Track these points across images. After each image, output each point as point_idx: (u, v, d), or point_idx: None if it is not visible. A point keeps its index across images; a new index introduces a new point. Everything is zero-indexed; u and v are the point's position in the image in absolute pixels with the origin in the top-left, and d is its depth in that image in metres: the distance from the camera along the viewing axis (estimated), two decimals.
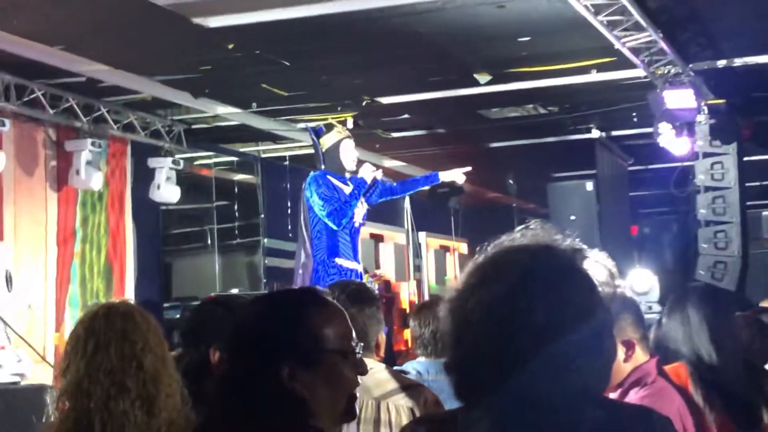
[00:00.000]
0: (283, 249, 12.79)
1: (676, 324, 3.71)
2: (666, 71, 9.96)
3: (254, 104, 11.03)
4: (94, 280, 10.44)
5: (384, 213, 11.32)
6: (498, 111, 11.95)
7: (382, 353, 3.79)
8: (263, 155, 13.42)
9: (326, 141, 7.60)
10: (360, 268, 7.62)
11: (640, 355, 3.51)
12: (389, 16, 8.25)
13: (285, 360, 2.17)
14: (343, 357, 2.25)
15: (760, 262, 13.14)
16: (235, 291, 11.30)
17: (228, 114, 11.31)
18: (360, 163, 7.76)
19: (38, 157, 10.09)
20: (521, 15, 8.37)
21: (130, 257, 10.89)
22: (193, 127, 11.85)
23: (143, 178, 11.07)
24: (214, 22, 8.20)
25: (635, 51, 9.26)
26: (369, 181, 7.44)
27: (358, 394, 2.29)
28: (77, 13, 7.99)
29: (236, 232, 13.64)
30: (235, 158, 13.47)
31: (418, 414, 3.53)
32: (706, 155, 11.14)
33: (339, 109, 11.11)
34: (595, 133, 12.77)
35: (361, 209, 7.53)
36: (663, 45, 9.22)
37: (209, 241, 13.35)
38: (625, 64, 9.62)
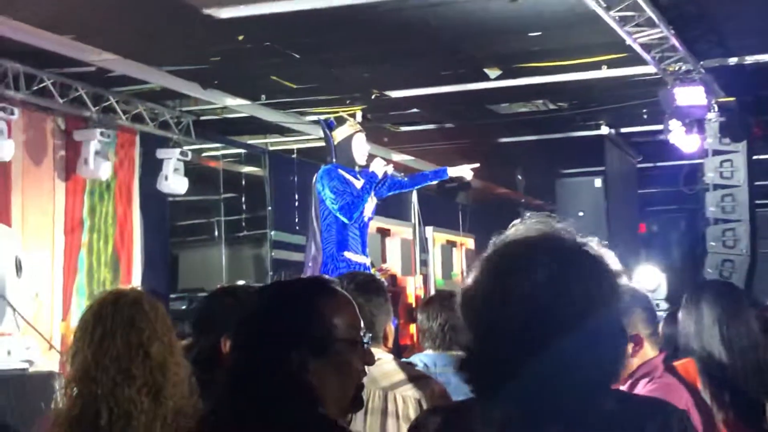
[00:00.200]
0: (290, 242, 12.80)
1: (689, 319, 3.70)
2: (677, 68, 9.93)
3: (263, 96, 11.01)
4: (101, 269, 10.45)
5: (391, 207, 11.30)
6: (507, 106, 11.93)
7: (390, 344, 3.79)
8: (271, 148, 13.42)
9: (338, 134, 7.58)
10: (368, 262, 7.61)
11: (649, 351, 3.50)
12: (400, 9, 8.23)
13: (295, 348, 2.17)
14: (352, 346, 2.25)
15: None
16: (241, 283, 11.28)
17: (237, 106, 11.30)
18: (370, 157, 7.74)
19: (47, 146, 10.10)
20: (533, 10, 8.35)
21: (137, 248, 10.89)
22: (202, 118, 11.85)
23: (151, 168, 11.07)
24: (225, 13, 8.18)
25: (646, 47, 9.22)
26: (380, 176, 7.42)
27: (365, 384, 2.28)
28: (87, 2, 8.00)
29: (243, 224, 13.66)
30: (243, 150, 13.47)
31: (425, 405, 3.52)
32: (715, 153, 11.12)
33: (348, 102, 11.10)
34: (605, 130, 12.74)
35: (370, 203, 7.52)
36: (674, 41, 9.18)
37: (216, 233, 13.36)
38: (635, 60, 9.59)
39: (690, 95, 10.09)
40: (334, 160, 7.56)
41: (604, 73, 10.13)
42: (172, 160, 11.02)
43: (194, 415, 2.82)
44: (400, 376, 3.60)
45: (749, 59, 10.18)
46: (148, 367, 2.90)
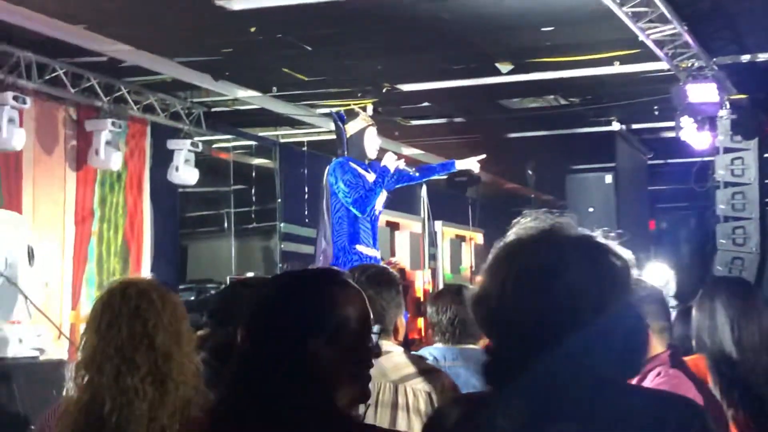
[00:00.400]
0: (299, 234, 12.80)
1: (702, 316, 3.69)
2: (689, 65, 9.91)
3: (274, 88, 11.01)
4: (111, 259, 10.47)
5: (400, 201, 11.29)
6: (518, 101, 11.91)
7: (401, 337, 3.78)
8: (282, 140, 13.42)
9: (350, 128, 7.57)
10: (379, 255, 7.61)
11: (657, 346, 3.50)
12: (413, 2, 8.22)
13: (312, 337, 2.17)
14: (364, 337, 2.27)
15: None
16: (250, 275, 11.30)
17: (248, 97, 11.30)
18: (381, 151, 7.73)
19: (58, 136, 10.11)
20: (546, 4, 8.34)
21: (146, 238, 10.91)
22: (213, 110, 11.86)
23: (162, 159, 11.08)
24: (237, 4, 8.18)
25: (659, 43, 9.20)
26: (392, 170, 7.41)
27: (372, 376, 2.29)
28: None
29: (253, 216, 13.67)
30: (253, 142, 13.48)
31: (435, 399, 3.52)
32: (726, 150, 11.09)
33: (359, 95, 11.09)
34: (616, 126, 12.72)
35: (381, 197, 7.52)
36: (687, 38, 9.16)
37: (226, 225, 13.37)
38: (648, 56, 9.57)
39: (702, 92, 10.06)
40: (346, 153, 7.55)
41: (616, 69, 10.11)
42: (182, 151, 11.03)
43: (204, 405, 2.82)
44: (411, 369, 3.60)
45: (762, 56, 10.14)
46: (152, 357, 2.90)
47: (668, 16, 8.60)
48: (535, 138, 13.59)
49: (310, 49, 9.37)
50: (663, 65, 9.86)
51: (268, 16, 8.46)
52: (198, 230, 13.63)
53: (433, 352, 4.40)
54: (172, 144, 11.09)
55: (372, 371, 2.27)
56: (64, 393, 3.03)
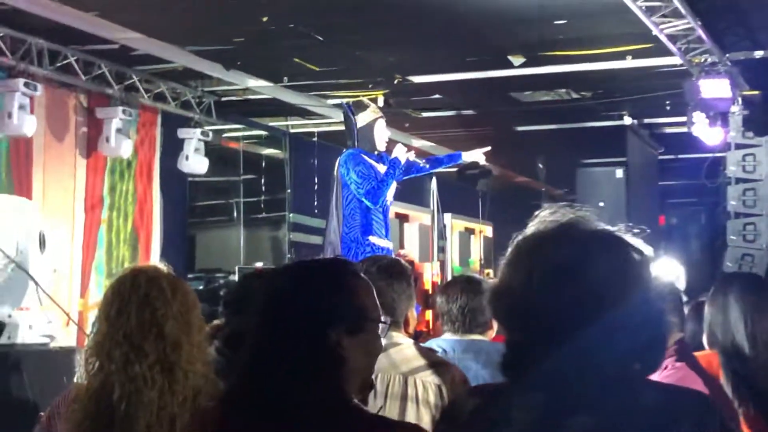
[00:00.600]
0: (309, 225, 12.80)
1: (715, 310, 3.66)
2: (702, 60, 9.87)
3: (285, 78, 10.99)
4: (120, 247, 10.48)
5: (410, 193, 11.28)
6: (530, 94, 11.88)
7: (411, 329, 3.77)
8: (292, 130, 13.40)
9: (360, 119, 7.56)
10: (391, 245, 7.62)
11: (669, 341, 3.48)
12: None
13: (332, 326, 2.18)
14: (377, 327, 2.28)
15: None
16: (258, 265, 11.31)
17: (259, 87, 11.29)
18: (391, 143, 7.73)
19: (69, 123, 10.12)
20: None
21: (156, 226, 10.91)
22: (223, 99, 11.85)
23: (172, 148, 11.08)
24: None
25: (672, 38, 9.17)
26: (402, 162, 7.40)
27: (383, 368, 2.30)
28: None
29: (262, 206, 13.66)
30: (263, 132, 13.47)
31: (445, 392, 3.50)
32: (738, 146, 11.05)
33: (370, 86, 11.07)
34: (627, 120, 12.67)
35: (392, 188, 7.52)
36: (701, 33, 9.12)
37: (235, 215, 13.37)
38: (661, 51, 9.53)
39: (715, 87, 10.03)
40: (356, 144, 7.54)
41: (629, 63, 10.08)
42: (192, 140, 11.03)
43: (215, 394, 2.81)
44: (420, 361, 3.58)
45: None
46: (161, 345, 2.90)
47: (682, 11, 8.57)
48: (546, 131, 13.56)
49: (322, 39, 9.35)
50: (676, 60, 9.83)
51: (280, 6, 8.44)
52: (207, 219, 13.63)
53: (442, 344, 4.36)
54: (182, 133, 11.10)
55: (382, 363, 2.28)
56: (75, 380, 3.03)
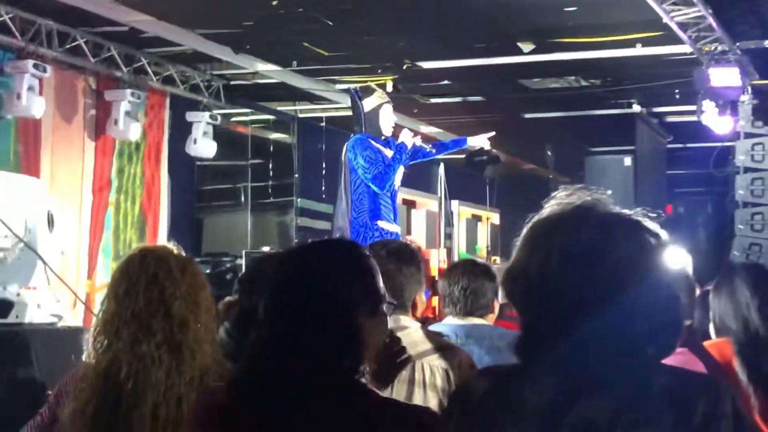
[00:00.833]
0: (316, 209, 12.80)
1: (724, 299, 3.64)
2: (713, 48, 9.84)
3: (294, 63, 10.98)
4: (128, 230, 10.49)
5: (417, 179, 11.27)
6: (539, 81, 11.85)
7: (419, 313, 3.76)
8: (300, 115, 13.39)
9: (366, 104, 7.56)
10: (399, 230, 7.63)
11: None
12: None
13: (356, 307, 2.19)
14: (388, 308, 2.31)
15: None
16: (266, 249, 11.31)
17: (267, 71, 11.27)
18: (398, 128, 7.72)
19: (77, 105, 10.12)
20: None
21: (163, 209, 10.93)
22: (232, 83, 11.84)
23: (180, 131, 11.08)
24: None
25: (683, 26, 9.13)
26: (409, 147, 7.41)
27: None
28: None
29: (270, 190, 13.66)
30: (272, 117, 13.46)
31: (452, 376, 3.50)
32: (747, 136, 11.04)
33: (379, 71, 11.05)
34: (636, 108, 12.64)
35: (399, 173, 7.52)
36: (711, 21, 9.09)
37: (242, 199, 13.38)
38: (671, 39, 9.50)
39: (725, 76, 10.01)
40: (363, 129, 7.54)
41: (639, 51, 10.04)
42: (201, 124, 11.03)
43: (223, 374, 2.82)
44: (427, 345, 3.58)
45: None
46: (168, 325, 2.92)
47: None
48: (554, 119, 13.53)
49: (331, 24, 9.33)
50: (686, 48, 9.79)
51: None
52: (214, 203, 13.64)
53: (444, 329, 4.34)
54: (190, 116, 11.09)
55: None
56: (83, 358, 3.04)
